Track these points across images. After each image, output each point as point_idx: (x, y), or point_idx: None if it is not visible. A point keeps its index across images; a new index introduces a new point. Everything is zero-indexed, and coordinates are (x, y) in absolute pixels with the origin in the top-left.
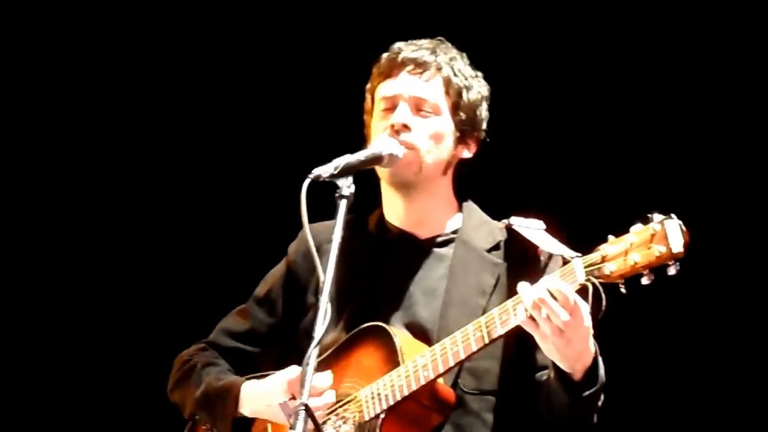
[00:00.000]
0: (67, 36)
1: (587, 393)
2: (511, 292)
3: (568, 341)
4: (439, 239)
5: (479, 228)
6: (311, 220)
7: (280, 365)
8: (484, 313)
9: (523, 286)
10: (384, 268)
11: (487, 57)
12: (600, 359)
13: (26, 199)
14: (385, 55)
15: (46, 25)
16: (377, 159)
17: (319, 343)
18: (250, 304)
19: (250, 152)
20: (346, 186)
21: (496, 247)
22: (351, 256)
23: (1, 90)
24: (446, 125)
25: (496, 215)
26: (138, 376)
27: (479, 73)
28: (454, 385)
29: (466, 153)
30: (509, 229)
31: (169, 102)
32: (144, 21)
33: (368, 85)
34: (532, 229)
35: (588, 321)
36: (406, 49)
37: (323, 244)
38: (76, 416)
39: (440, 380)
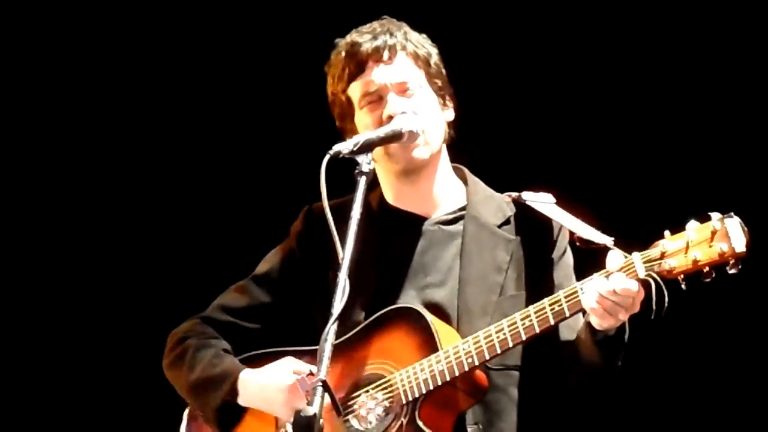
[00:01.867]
0: (67, 36)
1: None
2: (526, 266)
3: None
4: (448, 217)
5: (486, 203)
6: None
7: (276, 345)
8: (501, 290)
9: (589, 285)
10: (394, 250)
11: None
12: None
13: (28, 199)
14: (341, 55)
15: (46, 25)
16: (397, 136)
17: (337, 319)
18: (248, 282)
19: (267, 134)
20: (366, 162)
21: (506, 222)
22: (360, 240)
23: (1, 90)
24: (429, 95)
25: (501, 189)
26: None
27: (425, 35)
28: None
29: (449, 114)
30: (516, 202)
31: (182, 88)
32: (144, 20)
33: (332, 90)
34: (543, 203)
35: None
36: (360, 39)
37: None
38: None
39: None
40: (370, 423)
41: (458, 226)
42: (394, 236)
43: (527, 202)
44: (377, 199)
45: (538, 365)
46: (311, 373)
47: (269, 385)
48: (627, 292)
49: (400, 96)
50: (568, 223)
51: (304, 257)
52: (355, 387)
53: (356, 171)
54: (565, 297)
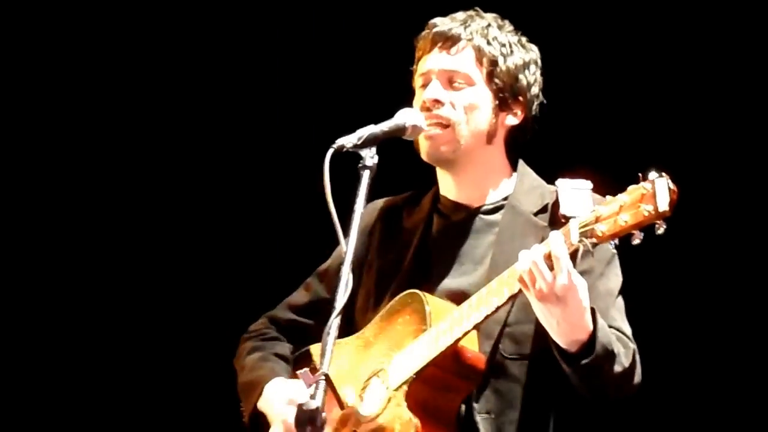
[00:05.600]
0: (67, 36)
1: (583, 362)
2: None
3: (556, 307)
4: (490, 206)
5: (530, 192)
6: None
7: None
8: None
9: (523, 251)
10: (436, 240)
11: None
12: (600, 334)
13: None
14: (422, 33)
15: (47, 25)
16: (400, 130)
17: (339, 313)
18: (312, 278)
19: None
20: (370, 156)
21: (543, 210)
22: (405, 230)
23: (1, 90)
24: (481, 95)
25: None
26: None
27: (522, 39)
28: (494, 351)
29: (512, 119)
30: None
31: (199, 84)
32: (147, 18)
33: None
34: (574, 189)
35: (585, 299)
36: (440, 23)
37: (386, 220)
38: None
39: (472, 346)
40: (373, 407)
41: (498, 216)
42: (438, 228)
43: (558, 188)
44: (432, 192)
45: (550, 354)
46: (314, 368)
47: (276, 394)
48: (553, 259)
49: (446, 86)
50: (566, 206)
51: (358, 252)
52: (370, 374)
53: (359, 165)
54: (509, 274)
